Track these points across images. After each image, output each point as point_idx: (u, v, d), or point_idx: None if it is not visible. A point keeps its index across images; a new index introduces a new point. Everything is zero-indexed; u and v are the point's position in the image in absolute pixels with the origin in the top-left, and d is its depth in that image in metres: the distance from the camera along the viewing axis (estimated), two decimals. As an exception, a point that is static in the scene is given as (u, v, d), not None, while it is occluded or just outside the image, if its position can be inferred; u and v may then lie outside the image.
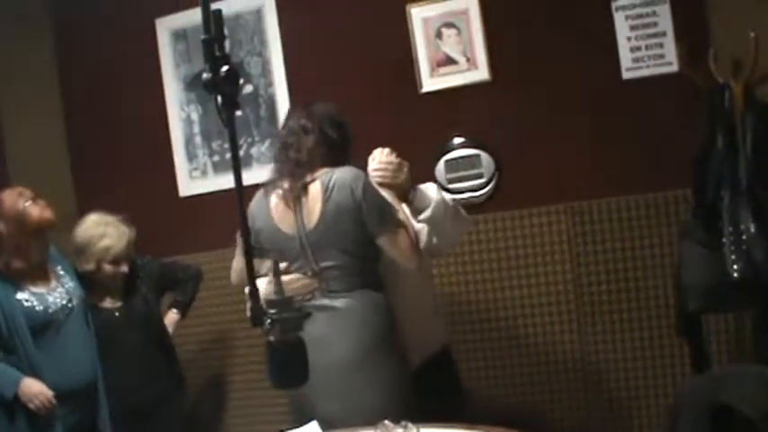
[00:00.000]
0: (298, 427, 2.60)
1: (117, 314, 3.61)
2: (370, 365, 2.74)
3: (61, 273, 3.42)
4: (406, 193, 2.94)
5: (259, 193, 2.91)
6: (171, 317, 3.91)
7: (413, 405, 2.70)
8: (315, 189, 2.75)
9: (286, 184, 2.79)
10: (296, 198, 2.76)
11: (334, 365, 2.71)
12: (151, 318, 3.74)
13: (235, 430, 4.46)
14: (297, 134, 2.87)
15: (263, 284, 2.57)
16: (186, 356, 4.44)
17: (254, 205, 2.89)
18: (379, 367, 2.76)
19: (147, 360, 3.64)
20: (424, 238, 2.91)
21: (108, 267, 3.57)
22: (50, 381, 3.17)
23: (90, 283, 3.53)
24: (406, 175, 2.94)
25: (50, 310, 3.26)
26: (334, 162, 2.81)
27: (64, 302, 3.32)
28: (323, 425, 2.59)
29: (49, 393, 3.15)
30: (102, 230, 3.57)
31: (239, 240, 2.76)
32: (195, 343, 4.48)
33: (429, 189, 2.98)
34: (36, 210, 3.32)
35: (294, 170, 2.80)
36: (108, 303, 3.60)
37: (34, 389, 3.13)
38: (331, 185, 2.72)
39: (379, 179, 2.89)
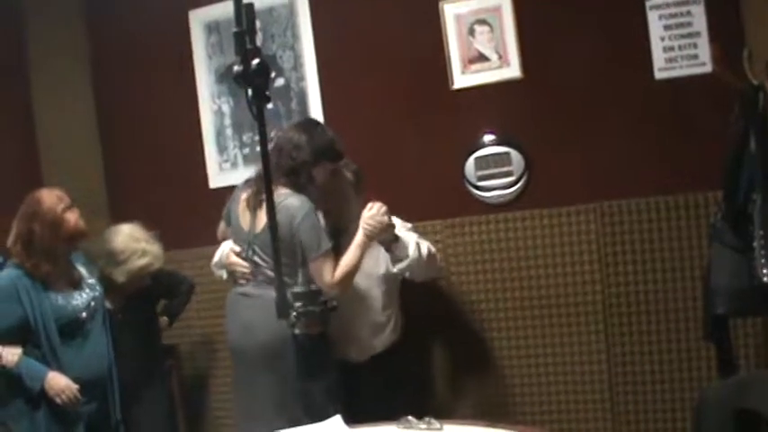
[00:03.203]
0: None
1: (120, 316, 3.70)
2: (285, 354, 3.02)
3: (83, 273, 3.46)
4: (389, 244, 3.43)
5: (239, 186, 3.46)
6: (160, 323, 4.07)
7: (331, 398, 3.06)
8: None
9: (249, 191, 3.31)
10: (253, 207, 3.29)
11: (255, 349, 3.18)
12: (148, 323, 3.93)
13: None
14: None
15: (226, 246, 3.46)
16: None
17: (234, 194, 3.45)
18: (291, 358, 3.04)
19: (137, 360, 3.73)
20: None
21: (137, 282, 3.72)
22: (73, 374, 3.23)
23: (103, 284, 3.59)
24: (390, 234, 3.38)
25: (77, 310, 3.31)
26: (294, 184, 3.24)
27: (88, 303, 3.36)
28: (242, 404, 3.23)
29: (75, 387, 3.20)
30: (143, 248, 3.69)
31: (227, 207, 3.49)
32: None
33: (409, 241, 3.46)
34: (73, 218, 3.34)
35: (258, 182, 3.20)
36: (111, 305, 3.65)
37: (61, 383, 3.18)
38: (279, 208, 2.99)
39: (367, 231, 3.29)
